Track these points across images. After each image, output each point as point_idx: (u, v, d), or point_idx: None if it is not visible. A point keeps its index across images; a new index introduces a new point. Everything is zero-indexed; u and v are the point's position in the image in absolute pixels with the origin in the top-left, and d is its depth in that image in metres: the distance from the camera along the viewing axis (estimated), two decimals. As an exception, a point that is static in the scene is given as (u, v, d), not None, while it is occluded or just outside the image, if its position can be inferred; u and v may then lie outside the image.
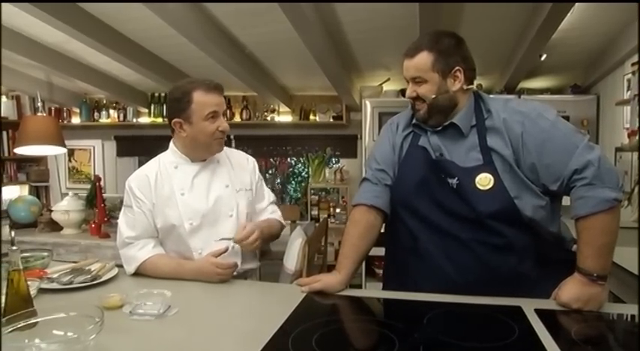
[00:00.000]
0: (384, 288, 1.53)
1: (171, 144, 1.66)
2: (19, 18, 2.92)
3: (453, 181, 1.34)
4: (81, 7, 2.90)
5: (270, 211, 1.78)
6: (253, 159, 1.80)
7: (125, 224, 1.60)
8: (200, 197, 1.58)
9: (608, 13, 2.77)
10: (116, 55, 3.38)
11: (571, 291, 1.24)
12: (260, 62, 3.89)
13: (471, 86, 1.41)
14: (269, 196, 1.81)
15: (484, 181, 1.31)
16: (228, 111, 4.74)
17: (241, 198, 1.64)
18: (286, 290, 1.45)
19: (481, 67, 3.84)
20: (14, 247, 1.06)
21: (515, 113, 1.35)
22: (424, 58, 1.36)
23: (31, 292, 1.25)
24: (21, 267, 1.05)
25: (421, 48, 1.36)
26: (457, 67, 1.37)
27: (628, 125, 3.06)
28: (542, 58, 3.23)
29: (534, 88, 4.09)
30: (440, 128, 1.41)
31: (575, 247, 1.42)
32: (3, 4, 2.54)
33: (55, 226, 3.12)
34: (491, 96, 1.49)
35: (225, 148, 1.68)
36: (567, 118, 3.67)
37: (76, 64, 3.95)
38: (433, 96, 1.37)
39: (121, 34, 3.32)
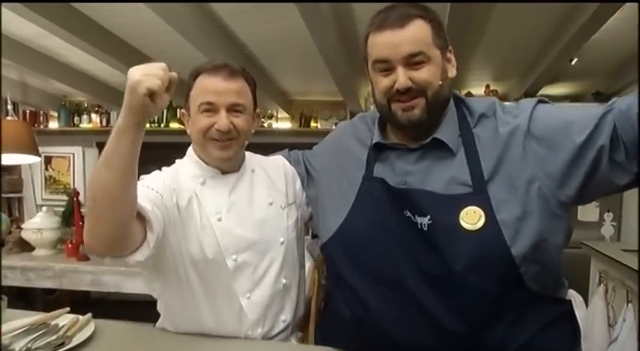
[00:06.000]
0: None
1: (189, 149, 1.22)
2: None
3: (424, 221, 0.95)
4: (59, -3, 2.55)
5: None
6: (289, 165, 1.34)
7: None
8: (243, 221, 1.15)
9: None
10: (100, 53, 3.02)
11: None
12: (257, 62, 3.54)
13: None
14: None
15: (472, 217, 0.92)
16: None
17: (290, 217, 1.23)
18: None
19: (498, 72, 3.63)
20: None
21: (507, 110, 1.01)
22: (423, 28, 0.95)
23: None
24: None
25: (413, 15, 0.95)
26: (449, 47, 1.02)
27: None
28: (573, 63, 2.95)
29: (551, 95, 3.82)
30: (417, 147, 1.02)
31: (570, 292, 1.09)
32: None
33: (25, 246, 2.77)
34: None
35: (253, 155, 1.30)
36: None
37: (54, 63, 3.56)
38: (440, 82, 0.97)
39: (105, 30, 2.96)
